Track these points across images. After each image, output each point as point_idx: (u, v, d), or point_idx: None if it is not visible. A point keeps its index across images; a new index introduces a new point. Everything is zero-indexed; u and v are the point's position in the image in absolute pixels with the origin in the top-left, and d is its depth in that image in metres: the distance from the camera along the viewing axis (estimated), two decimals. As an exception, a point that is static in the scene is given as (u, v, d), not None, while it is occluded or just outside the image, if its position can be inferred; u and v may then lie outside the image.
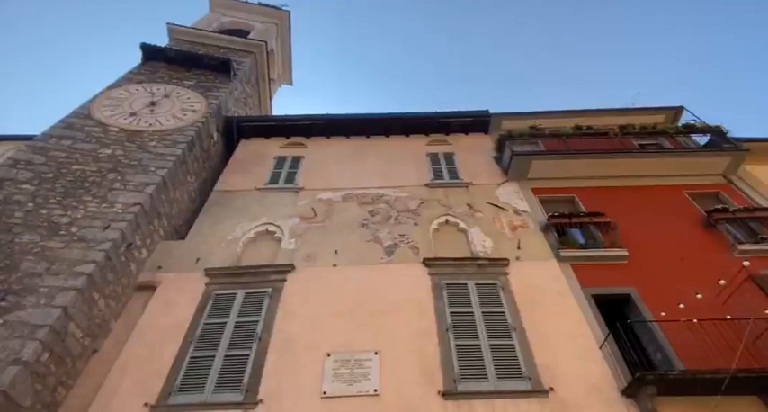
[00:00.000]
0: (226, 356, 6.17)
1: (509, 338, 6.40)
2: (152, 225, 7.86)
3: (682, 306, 6.29)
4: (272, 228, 8.68)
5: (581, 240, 8.30)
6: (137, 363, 6.07)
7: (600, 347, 6.27)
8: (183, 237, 8.58)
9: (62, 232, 6.77)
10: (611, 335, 6.31)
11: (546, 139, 10.81)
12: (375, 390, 5.68)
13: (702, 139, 10.82)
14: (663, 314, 6.37)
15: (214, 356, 6.16)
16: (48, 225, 6.87)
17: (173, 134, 9.53)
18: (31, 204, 7.22)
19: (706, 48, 39.76)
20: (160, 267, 7.59)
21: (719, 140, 10.27)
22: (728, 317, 6.21)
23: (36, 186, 7.60)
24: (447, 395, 5.65)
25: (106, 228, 6.92)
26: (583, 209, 9.02)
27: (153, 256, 7.81)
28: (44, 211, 7.12)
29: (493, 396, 5.64)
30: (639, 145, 10.86)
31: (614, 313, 6.95)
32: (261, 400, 5.59)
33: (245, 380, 5.85)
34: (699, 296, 6.36)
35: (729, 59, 38.57)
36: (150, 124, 9.69)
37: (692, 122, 10.94)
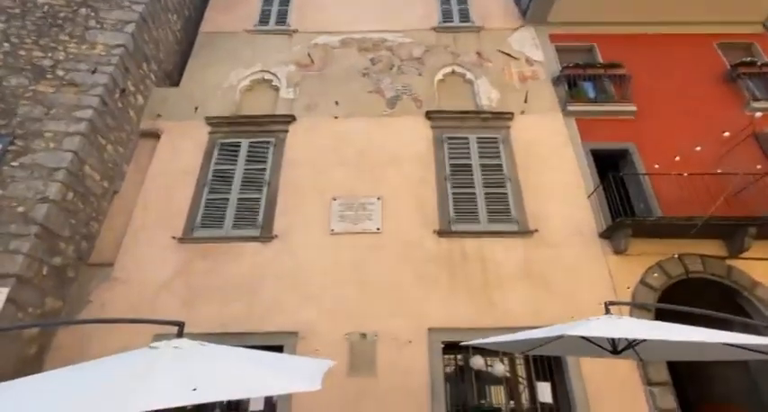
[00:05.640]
0: (239, 199, 6.63)
1: (503, 188, 6.77)
2: (141, 69, 7.43)
3: (677, 159, 6.45)
4: (267, 76, 8.24)
5: (591, 94, 7.99)
6: (157, 203, 6.57)
7: (588, 197, 6.67)
8: (176, 84, 8.22)
9: (49, 76, 6.46)
10: (600, 187, 6.66)
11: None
12: (378, 229, 6.31)
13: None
14: (656, 166, 6.58)
15: (228, 199, 6.62)
16: (31, 68, 6.50)
17: (142, -40, 8.14)
18: (6, 44, 6.69)
19: None
20: (159, 115, 7.50)
21: (775, -23, 8.89)
22: (719, 171, 6.45)
23: (5, 24, 6.89)
24: (441, 234, 6.29)
25: (93, 71, 6.57)
26: (600, 59, 8.41)
27: (150, 104, 7.64)
28: (23, 53, 6.65)
29: (482, 235, 6.30)
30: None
31: (611, 166, 7.20)
32: (276, 235, 6.26)
33: (260, 218, 6.43)
34: (698, 149, 6.44)
35: None
36: (113, -55, 8.19)
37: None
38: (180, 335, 2.47)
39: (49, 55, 6.66)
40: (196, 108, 7.58)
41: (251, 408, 5.11)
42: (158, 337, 2.41)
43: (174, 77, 8.47)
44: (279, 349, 5.25)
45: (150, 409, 1.59)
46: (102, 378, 1.93)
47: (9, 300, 4.76)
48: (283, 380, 2.10)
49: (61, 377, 2.04)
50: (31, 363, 5.05)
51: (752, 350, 2.77)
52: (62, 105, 6.16)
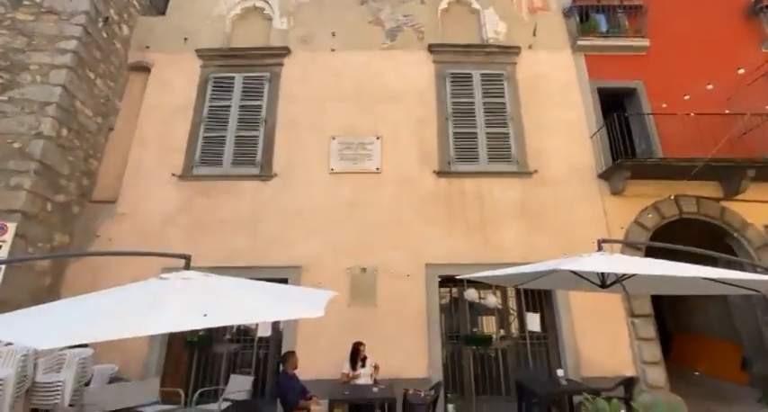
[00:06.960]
0: (236, 136, 6.52)
1: (505, 127, 6.64)
2: (123, -6, 6.92)
3: (687, 97, 6.25)
4: (259, 4, 7.68)
5: (603, 27, 7.53)
6: (154, 140, 6.47)
7: (591, 137, 6.57)
8: (162, 13, 7.69)
9: (26, 2, 6.02)
10: (604, 127, 6.52)
11: None
12: (377, 168, 6.29)
13: None
14: (664, 106, 6.39)
15: (225, 136, 6.51)
16: (3, -8, 6.03)
17: None
18: (-27, -35, 6.13)
19: None
20: (148, 47, 7.10)
21: None
22: (727, 111, 6.28)
23: (-32, -60, 6.27)
24: (441, 174, 6.30)
25: (72, -4, 6.11)
26: (617, -13, 7.80)
27: (136, 34, 7.21)
28: (-10, -26, 6.13)
29: (481, 175, 6.31)
30: None
31: (617, 104, 7.00)
32: (275, 174, 6.26)
33: (259, 157, 6.38)
34: (709, 87, 6.21)
35: None
36: None
37: None
38: (187, 267, 2.56)
39: (22, -23, 6.14)
40: (185, 39, 7.17)
41: (259, 334, 5.48)
42: (167, 270, 2.50)
43: (159, 6, 7.89)
44: (283, 281, 5.49)
45: (164, 332, 1.70)
46: (116, 304, 2.04)
47: (18, 234, 4.88)
48: (289, 307, 2.23)
49: (77, 304, 2.15)
50: (46, 294, 5.31)
51: (731, 285, 2.91)
52: (44, 35, 5.82)
